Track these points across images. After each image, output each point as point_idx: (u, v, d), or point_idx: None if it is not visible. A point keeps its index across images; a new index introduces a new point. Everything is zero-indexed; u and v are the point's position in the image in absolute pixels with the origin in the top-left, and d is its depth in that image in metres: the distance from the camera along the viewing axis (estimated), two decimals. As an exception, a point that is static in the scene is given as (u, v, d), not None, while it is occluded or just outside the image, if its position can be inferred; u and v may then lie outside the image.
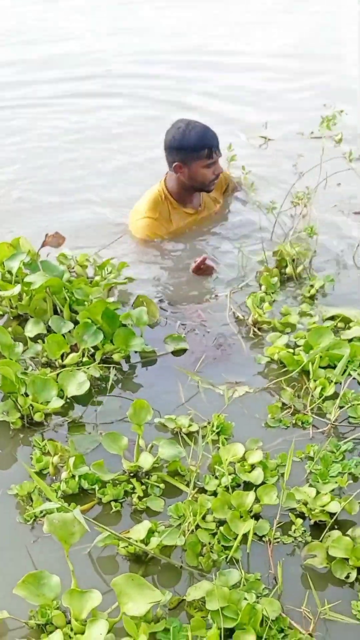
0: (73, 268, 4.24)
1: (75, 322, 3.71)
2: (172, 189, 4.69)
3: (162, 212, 4.70)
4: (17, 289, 3.80)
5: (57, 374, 3.44)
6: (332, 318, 3.92)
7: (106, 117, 6.82)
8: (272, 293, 4.14)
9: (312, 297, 4.18)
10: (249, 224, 4.88)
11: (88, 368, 3.52)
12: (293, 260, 4.34)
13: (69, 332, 3.70)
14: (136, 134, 6.44)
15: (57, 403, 3.31)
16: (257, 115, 6.59)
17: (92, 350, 3.66)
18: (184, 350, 3.79)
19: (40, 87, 7.54)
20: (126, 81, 7.59)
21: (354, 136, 5.69)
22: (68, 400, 3.40)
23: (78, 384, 3.39)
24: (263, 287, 4.18)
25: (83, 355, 3.61)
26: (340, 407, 3.29)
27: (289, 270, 4.34)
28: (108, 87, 7.49)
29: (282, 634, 2.41)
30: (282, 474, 2.93)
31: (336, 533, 2.69)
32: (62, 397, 3.35)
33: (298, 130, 6.30)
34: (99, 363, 3.59)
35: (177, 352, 3.79)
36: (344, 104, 5.71)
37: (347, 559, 2.62)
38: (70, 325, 3.71)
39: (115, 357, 3.66)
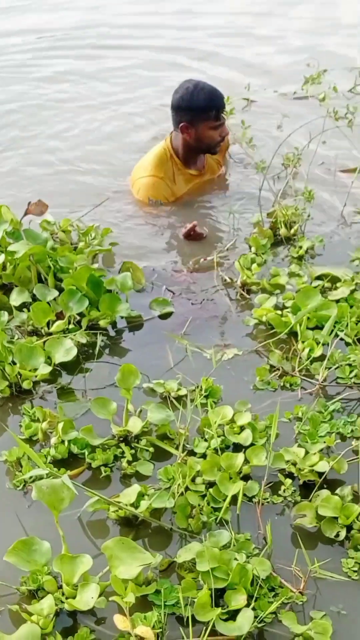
0: (57, 234, 4.20)
1: (60, 290, 3.69)
2: (177, 149, 4.65)
3: (167, 172, 4.66)
4: (0, 258, 3.78)
5: (44, 342, 3.43)
6: (320, 277, 3.90)
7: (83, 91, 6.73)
8: (263, 254, 4.12)
9: (300, 258, 4.16)
10: (245, 186, 4.85)
11: (75, 335, 3.50)
12: (286, 222, 4.32)
13: (54, 299, 3.67)
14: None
15: (44, 370, 3.30)
16: (237, 77, 6.51)
17: (78, 317, 3.65)
18: (170, 314, 3.78)
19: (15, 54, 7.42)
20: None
21: (337, 94, 5.65)
22: (56, 367, 3.39)
23: (65, 350, 3.38)
24: (253, 249, 4.16)
25: (69, 323, 3.60)
26: (328, 368, 3.29)
27: (282, 231, 4.32)
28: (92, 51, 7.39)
29: (273, 593, 2.42)
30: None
31: (325, 492, 2.70)
32: (49, 365, 3.34)
33: (281, 91, 6.24)
34: (85, 330, 3.58)
35: (164, 317, 3.78)
36: (327, 66, 5.68)
37: (336, 518, 2.63)
38: (55, 293, 3.69)
39: (102, 323, 3.65)
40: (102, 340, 3.56)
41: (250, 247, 4.20)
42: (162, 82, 6.42)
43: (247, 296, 3.87)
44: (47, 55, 7.24)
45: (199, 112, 4.43)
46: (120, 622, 2.25)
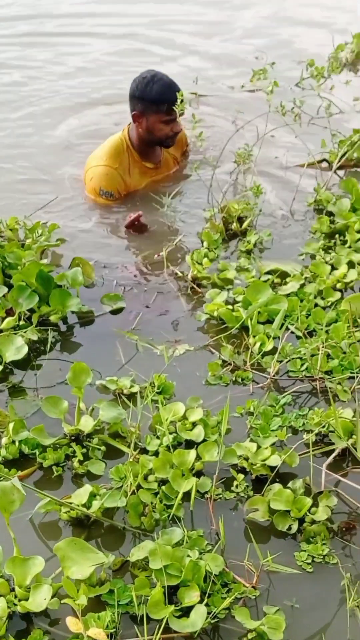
0: (3, 232, 4.15)
1: (9, 286, 3.65)
2: (134, 139, 4.60)
3: (123, 163, 4.61)
4: None
5: (-6, 340, 3.39)
6: (269, 273, 3.92)
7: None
8: (215, 249, 4.12)
9: (249, 252, 4.17)
10: (199, 183, 4.82)
11: (25, 332, 3.47)
12: (238, 217, 4.33)
13: (4, 296, 3.63)
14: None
15: (-5, 369, 3.27)
16: (184, 69, 6.49)
17: (29, 314, 3.61)
18: (122, 310, 3.77)
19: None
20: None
21: (285, 88, 5.65)
22: (7, 365, 3.35)
23: (16, 348, 3.35)
24: (205, 243, 4.16)
25: (19, 319, 3.56)
26: (279, 362, 3.31)
27: (234, 226, 4.32)
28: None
29: (226, 588, 2.44)
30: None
31: (277, 486, 2.72)
32: (0, 363, 3.30)
33: (229, 84, 6.23)
34: (36, 326, 3.55)
35: (115, 312, 3.76)
36: (276, 57, 5.67)
37: (288, 511, 2.65)
38: (5, 289, 3.65)
39: (52, 318, 3.62)
40: (53, 337, 3.54)
41: (202, 242, 4.20)
42: (103, 71, 6.42)
43: (199, 290, 3.87)
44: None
45: (150, 104, 4.39)
46: (73, 624, 2.24)
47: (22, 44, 7.08)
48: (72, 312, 3.69)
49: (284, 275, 3.91)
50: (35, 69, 6.61)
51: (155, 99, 4.38)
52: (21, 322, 3.56)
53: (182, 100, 4.22)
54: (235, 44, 7.06)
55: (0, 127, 5.68)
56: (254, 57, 6.34)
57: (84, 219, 4.57)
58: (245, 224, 4.32)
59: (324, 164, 4.92)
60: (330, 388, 3.19)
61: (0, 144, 5.46)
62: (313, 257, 4.11)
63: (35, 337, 3.49)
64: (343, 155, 4.76)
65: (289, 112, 4.41)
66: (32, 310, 3.61)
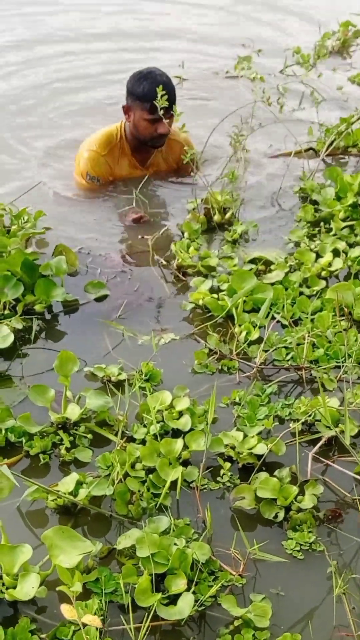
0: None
1: (-7, 276, 3.63)
2: (128, 132, 4.58)
3: (113, 152, 4.61)
4: None
5: (-21, 329, 3.38)
6: (253, 261, 3.93)
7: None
8: (196, 239, 4.11)
9: (234, 242, 4.17)
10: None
11: (10, 321, 3.46)
12: (220, 208, 4.32)
13: (-12, 285, 3.61)
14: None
15: (-19, 358, 3.26)
16: (170, 54, 6.47)
17: (14, 303, 3.59)
18: (106, 297, 3.76)
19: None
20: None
21: (269, 75, 5.66)
22: (-9, 353, 3.35)
23: (1, 337, 3.34)
24: (186, 234, 4.16)
25: (4, 308, 3.55)
26: (265, 351, 3.32)
27: (216, 217, 4.32)
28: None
29: (213, 576, 2.44)
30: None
31: (264, 474, 2.73)
32: (-15, 351, 3.30)
33: (214, 69, 6.21)
34: (21, 315, 3.53)
35: (100, 299, 3.75)
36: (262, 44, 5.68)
37: (274, 499, 2.66)
38: (-11, 279, 3.63)
39: (37, 307, 3.61)
40: (38, 325, 3.53)
41: (182, 233, 4.20)
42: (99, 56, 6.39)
43: (184, 278, 3.87)
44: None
45: (137, 99, 4.38)
46: (67, 611, 2.24)
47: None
48: (57, 301, 3.67)
49: (268, 263, 3.91)
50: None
51: (140, 95, 4.35)
52: (6, 312, 3.55)
53: (171, 103, 4.18)
54: (224, 30, 7.05)
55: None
56: (240, 44, 6.33)
57: (68, 207, 4.56)
58: (228, 215, 4.32)
59: (310, 152, 4.93)
60: (316, 377, 3.20)
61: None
62: (298, 244, 4.12)
63: (20, 326, 3.48)
64: (330, 144, 4.77)
65: (274, 102, 4.40)
66: (17, 300, 3.59)
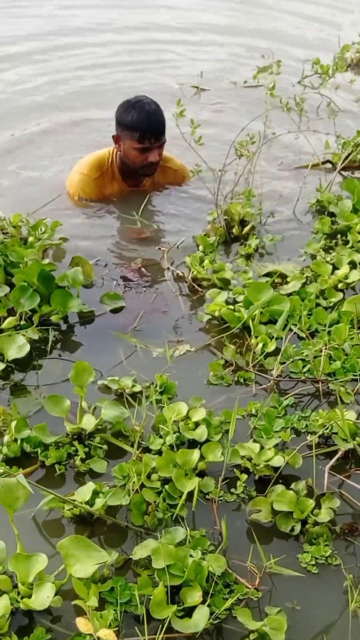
0: (7, 230, 4.14)
1: (11, 285, 3.64)
2: (118, 159, 4.60)
3: (103, 176, 4.62)
4: None
5: (-3, 340, 3.38)
6: (268, 275, 3.92)
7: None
8: (211, 252, 4.11)
9: (249, 255, 4.17)
10: (198, 187, 4.82)
11: (26, 331, 3.46)
12: (242, 220, 4.32)
13: (5, 295, 3.62)
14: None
15: (-3, 367, 3.26)
16: (192, 62, 6.50)
17: (30, 313, 3.60)
18: (122, 309, 3.76)
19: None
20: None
21: (287, 85, 5.66)
22: (8, 364, 3.34)
23: (18, 347, 3.34)
24: (200, 247, 4.16)
25: (20, 319, 3.55)
26: (282, 363, 3.30)
27: (235, 230, 4.32)
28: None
29: (228, 589, 2.43)
30: (226, 431, 2.95)
31: (280, 487, 2.71)
32: (2, 362, 3.30)
33: (232, 79, 6.22)
34: (37, 326, 3.54)
35: (115, 311, 3.75)
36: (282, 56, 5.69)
37: (291, 513, 2.65)
38: (6, 289, 3.64)
39: (53, 318, 3.61)
40: (54, 336, 3.53)
41: (197, 246, 4.20)
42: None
43: (200, 290, 3.87)
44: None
45: (125, 128, 4.39)
46: (83, 625, 2.23)
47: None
48: (73, 312, 3.68)
49: (283, 276, 3.91)
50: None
51: (129, 124, 4.36)
52: (22, 322, 3.55)
53: (161, 132, 4.19)
54: (245, 40, 7.07)
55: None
56: (260, 54, 6.35)
57: (84, 218, 4.57)
58: (246, 229, 4.32)
59: (328, 165, 4.93)
60: (333, 390, 3.19)
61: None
62: (314, 257, 4.11)
63: (36, 337, 3.48)
64: (347, 157, 4.77)
65: (293, 109, 4.40)
66: (33, 310, 3.59)
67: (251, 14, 7.90)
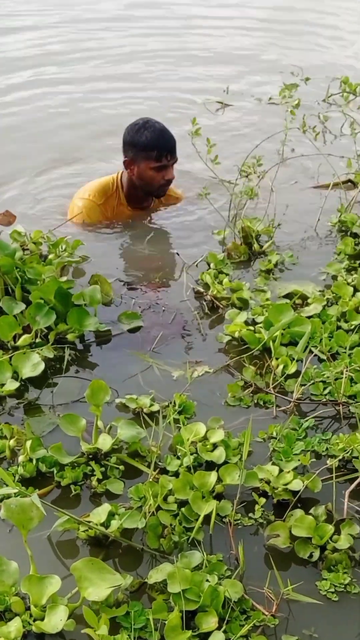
0: (27, 246, 4.13)
1: (28, 302, 3.61)
2: (125, 184, 4.61)
3: (108, 202, 4.63)
4: (-34, 269, 3.70)
5: (10, 357, 3.35)
6: (288, 296, 3.88)
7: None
8: (223, 269, 4.08)
9: (268, 272, 4.13)
10: (208, 207, 4.81)
11: (42, 349, 3.43)
12: (257, 236, 4.30)
13: (21, 312, 3.59)
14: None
15: (12, 386, 3.23)
16: (217, 79, 6.52)
17: (46, 331, 3.57)
18: (139, 328, 3.73)
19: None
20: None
21: (311, 103, 5.64)
22: (23, 382, 3.31)
23: (32, 365, 3.31)
24: (212, 265, 4.13)
25: (36, 336, 3.53)
26: (302, 385, 3.25)
27: (255, 247, 4.29)
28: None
29: (245, 615, 2.37)
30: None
31: (299, 512, 2.66)
32: (16, 380, 3.27)
33: (257, 95, 6.22)
34: (52, 344, 3.51)
35: (133, 330, 3.72)
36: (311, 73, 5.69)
37: (310, 538, 2.59)
38: (23, 306, 3.60)
39: (70, 337, 3.58)
40: (69, 355, 3.50)
41: (208, 265, 4.17)
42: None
43: (219, 308, 3.83)
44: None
45: (140, 150, 4.40)
46: (94, 655, 2.19)
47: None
48: (89, 331, 3.65)
49: (303, 297, 3.87)
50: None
51: (145, 144, 4.37)
52: (37, 340, 3.53)
53: (174, 147, 4.20)
54: (273, 56, 7.09)
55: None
56: (289, 71, 6.35)
57: (103, 236, 4.56)
58: (266, 245, 4.29)
59: (349, 184, 4.90)
60: (354, 413, 3.14)
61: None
62: (335, 278, 4.07)
63: (51, 355, 3.45)
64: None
65: (309, 130, 4.39)
66: (49, 328, 3.57)
67: (285, 30, 7.90)
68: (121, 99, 6.36)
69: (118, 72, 6.87)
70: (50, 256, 4.04)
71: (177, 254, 4.29)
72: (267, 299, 3.84)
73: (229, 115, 5.96)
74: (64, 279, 3.87)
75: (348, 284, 3.94)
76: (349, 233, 4.47)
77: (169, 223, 4.67)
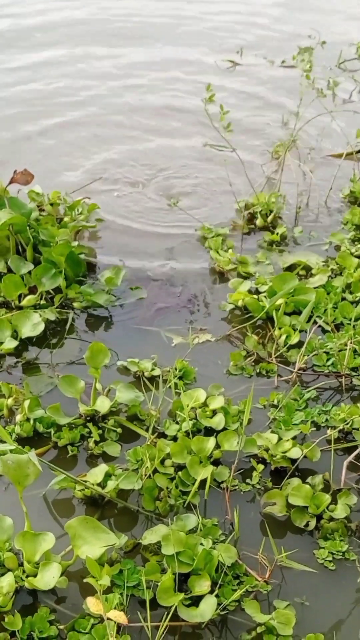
0: (44, 206, 4.08)
1: (38, 264, 3.57)
2: None
3: None
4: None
5: (12, 315, 3.34)
6: (290, 268, 3.84)
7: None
8: (223, 242, 4.06)
9: (272, 242, 4.09)
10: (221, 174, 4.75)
11: (44, 311, 3.42)
12: (270, 211, 4.26)
13: (29, 273, 3.57)
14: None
15: (10, 344, 3.22)
16: (233, 39, 6.47)
17: (52, 294, 3.55)
18: (145, 299, 3.70)
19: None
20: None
21: (324, 68, 5.57)
22: (22, 341, 3.30)
23: (32, 325, 3.30)
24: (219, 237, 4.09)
25: (41, 298, 3.51)
26: (305, 356, 3.23)
27: (259, 221, 4.25)
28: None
29: (238, 580, 2.37)
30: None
31: (296, 481, 2.65)
32: (15, 339, 3.26)
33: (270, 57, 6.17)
34: (57, 307, 3.49)
35: (140, 301, 3.69)
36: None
37: (306, 507, 2.58)
38: (31, 266, 3.57)
39: (76, 304, 3.56)
40: (73, 319, 3.48)
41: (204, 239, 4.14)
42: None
43: (225, 278, 3.80)
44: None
45: None
46: (93, 605, 2.18)
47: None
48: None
49: (307, 268, 3.84)
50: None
51: None
52: (42, 302, 3.51)
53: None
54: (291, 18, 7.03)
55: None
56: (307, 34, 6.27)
57: (123, 205, 4.50)
58: (270, 217, 4.24)
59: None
60: (356, 385, 3.12)
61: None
62: (337, 248, 4.03)
63: (53, 317, 3.43)
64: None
65: (322, 95, 4.30)
66: (56, 290, 3.55)
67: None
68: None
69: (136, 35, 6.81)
70: (66, 219, 3.99)
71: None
72: (271, 273, 3.80)
73: (239, 76, 5.87)
74: (75, 243, 3.81)
75: (352, 254, 3.90)
76: (358, 203, 4.42)
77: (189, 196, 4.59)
